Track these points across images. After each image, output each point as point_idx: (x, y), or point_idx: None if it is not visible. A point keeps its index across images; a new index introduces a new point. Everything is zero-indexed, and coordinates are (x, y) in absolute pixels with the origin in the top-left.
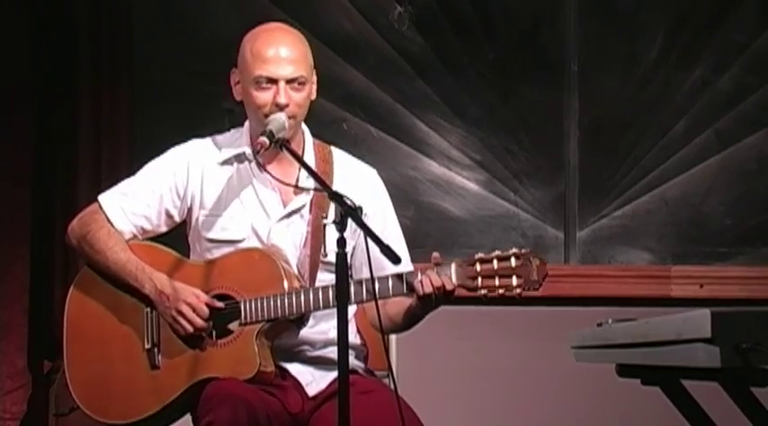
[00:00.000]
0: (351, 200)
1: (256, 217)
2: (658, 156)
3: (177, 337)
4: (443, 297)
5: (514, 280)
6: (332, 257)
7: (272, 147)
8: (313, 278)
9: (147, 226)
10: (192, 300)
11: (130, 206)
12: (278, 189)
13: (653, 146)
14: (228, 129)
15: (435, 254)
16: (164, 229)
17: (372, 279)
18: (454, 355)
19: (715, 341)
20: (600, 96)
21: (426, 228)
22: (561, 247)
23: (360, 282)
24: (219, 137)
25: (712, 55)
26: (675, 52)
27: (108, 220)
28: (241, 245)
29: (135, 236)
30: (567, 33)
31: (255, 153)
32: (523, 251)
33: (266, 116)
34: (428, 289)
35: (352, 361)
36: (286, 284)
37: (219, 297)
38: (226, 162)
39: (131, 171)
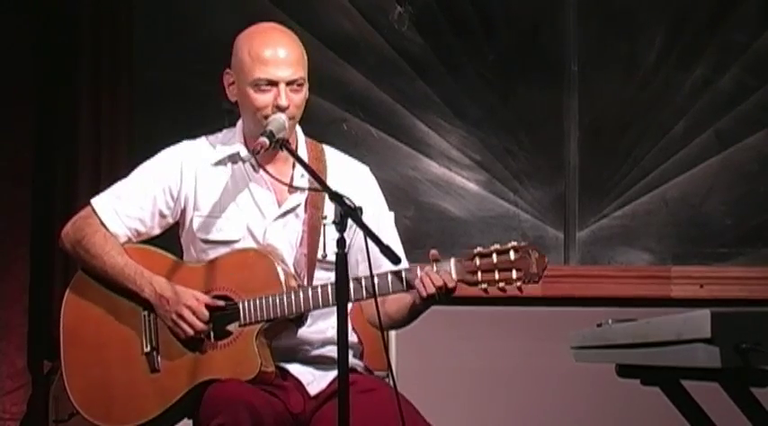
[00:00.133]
0: (351, 201)
1: (252, 217)
2: (658, 157)
3: (177, 340)
4: (445, 294)
5: (514, 274)
6: (329, 256)
7: (272, 148)
8: (310, 276)
9: (142, 229)
10: (192, 303)
11: (124, 209)
12: (273, 188)
13: (653, 146)
14: (221, 130)
15: (433, 251)
16: (157, 231)
17: (372, 277)
18: (454, 355)
19: (715, 341)
20: (600, 96)
21: (426, 228)
22: (561, 247)
23: (359, 280)
24: (212, 138)
25: (712, 55)
26: (675, 52)
27: (102, 224)
28: (236, 246)
29: (129, 239)
30: (567, 34)
31: (255, 153)
32: (522, 244)
33: (266, 117)
34: (431, 290)
35: (351, 360)
36: (284, 284)
37: (217, 299)
38: (219, 162)
39: (132, 171)
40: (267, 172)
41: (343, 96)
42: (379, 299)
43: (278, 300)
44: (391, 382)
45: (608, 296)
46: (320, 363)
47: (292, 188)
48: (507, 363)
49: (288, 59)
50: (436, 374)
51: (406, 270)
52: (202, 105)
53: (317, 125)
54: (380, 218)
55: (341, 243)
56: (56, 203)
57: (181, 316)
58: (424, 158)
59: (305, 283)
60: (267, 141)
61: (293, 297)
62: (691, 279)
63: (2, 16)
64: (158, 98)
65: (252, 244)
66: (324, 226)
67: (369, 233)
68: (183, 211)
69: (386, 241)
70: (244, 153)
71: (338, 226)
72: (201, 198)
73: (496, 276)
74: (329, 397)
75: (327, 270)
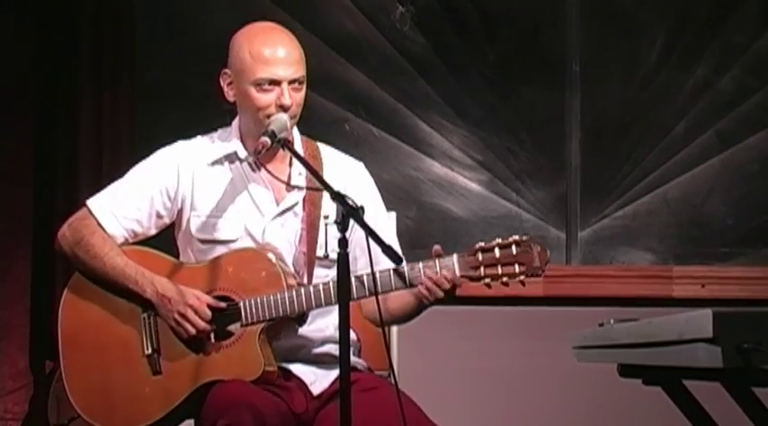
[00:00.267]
0: (352, 200)
1: (250, 217)
2: (660, 157)
3: (178, 341)
4: (450, 292)
5: (517, 268)
6: (330, 255)
7: (273, 147)
8: (310, 274)
9: (138, 230)
10: (195, 302)
11: (121, 210)
12: (271, 187)
13: (654, 146)
14: (216, 129)
15: (436, 247)
16: (153, 232)
17: (374, 275)
18: (455, 355)
19: (717, 341)
20: (601, 97)
21: (428, 228)
22: (563, 247)
23: (360, 279)
24: (207, 137)
25: (713, 55)
26: (677, 53)
27: (99, 225)
28: (234, 245)
29: (126, 240)
30: (569, 34)
31: (257, 153)
32: (524, 238)
33: (268, 117)
34: (438, 294)
35: (353, 358)
36: (284, 283)
37: (218, 299)
38: (216, 162)
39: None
40: (268, 171)
41: (345, 96)
42: (380, 297)
43: (279, 299)
44: (393, 381)
45: (610, 295)
46: (322, 362)
47: (290, 186)
48: (509, 363)
49: (289, 58)
50: (437, 374)
51: (408, 267)
52: (204, 105)
53: (318, 125)
54: (378, 216)
55: (343, 242)
56: (57, 203)
57: (183, 316)
58: (425, 158)
59: (304, 281)
60: (269, 141)
61: (294, 296)
62: (692, 278)
63: (2, 16)
64: (160, 98)
65: (250, 244)
66: (326, 225)
67: (370, 233)
68: (180, 211)
69: (383, 237)
70: (241, 152)
71: (340, 226)
72: (198, 198)
73: (499, 270)
74: (332, 397)
75: (326, 267)
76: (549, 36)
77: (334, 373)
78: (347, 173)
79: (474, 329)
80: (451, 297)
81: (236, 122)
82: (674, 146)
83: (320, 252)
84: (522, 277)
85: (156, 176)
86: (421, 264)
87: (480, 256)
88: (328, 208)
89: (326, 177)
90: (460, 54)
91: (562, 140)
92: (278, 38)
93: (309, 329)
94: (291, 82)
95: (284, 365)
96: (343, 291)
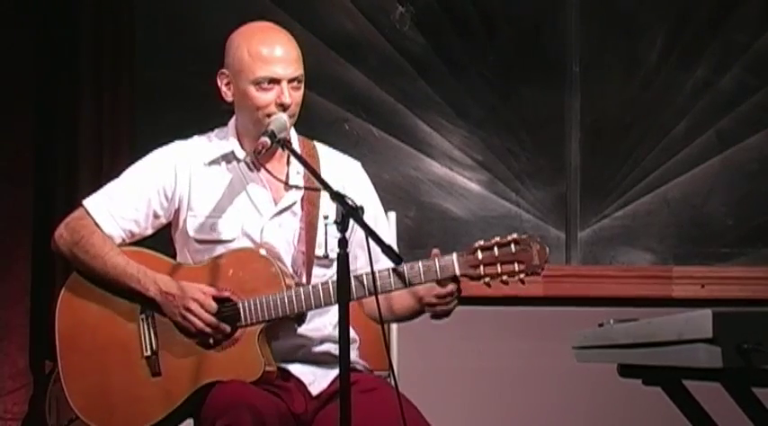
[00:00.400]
0: (352, 200)
1: (248, 216)
2: (660, 157)
3: (177, 342)
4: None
5: (516, 266)
6: (330, 254)
7: (272, 147)
8: (308, 274)
9: (135, 230)
10: (199, 296)
11: (118, 210)
12: (269, 186)
13: (654, 146)
14: (212, 129)
15: (435, 251)
16: (150, 232)
17: (374, 275)
18: (455, 355)
19: (716, 341)
20: (601, 97)
21: (428, 229)
22: (563, 247)
23: (359, 279)
24: (204, 137)
25: (713, 55)
26: (677, 53)
27: (97, 225)
28: (231, 245)
29: (123, 240)
30: (569, 34)
31: (257, 153)
32: (523, 236)
33: (268, 116)
34: (448, 308)
35: (352, 358)
36: (283, 283)
37: (216, 300)
38: (213, 162)
39: None
40: (267, 170)
41: (345, 96)
42: (382, 296)
43: (278, 300)
44: (392, 382)
45: (609, 296)
46: (321, 362)
47: (289, 186)
48: (509, 363)
49: (288, 57)
50: (437, 374)
51: (407, 267)
52: (204, 105)
53: (318, 125)
54: (375, 215)
55: (343, 243)
56: (57, 203)
57: (189, 310)
58: (425, 158)
59: (303, 280)
60: (269, 141)
61: (293, 296)
62: (692, 279)
63: (2, 16)
64: (159, 98)
65: (247, 244)
66: (326, 226)
67: (371, 233)
68: (177, 211)
69: (381, 236)
70: (238, 152)
71: (340, 226)
72: (196, 198)
73: (499, 269)
74: (331, 397)
75: (325, 266)
76: (549, 36)
77: (333, 373)
78: (344, 172)
79: (474, 329)
80: (458, 297)
81: (232, 122)
82: (674, 146)
83: (319, 252)
84: (521, 275)
85: (153, 176)
86: (420, 264)
87: (479, 255)
88: (327, 207)
89: (324, 176)
90: (460, 54)
91: (562, 140)
92: (276, 37)
93: (307, 328)
94: (290, 80)
95: (283, 365)
96: (342, 291)
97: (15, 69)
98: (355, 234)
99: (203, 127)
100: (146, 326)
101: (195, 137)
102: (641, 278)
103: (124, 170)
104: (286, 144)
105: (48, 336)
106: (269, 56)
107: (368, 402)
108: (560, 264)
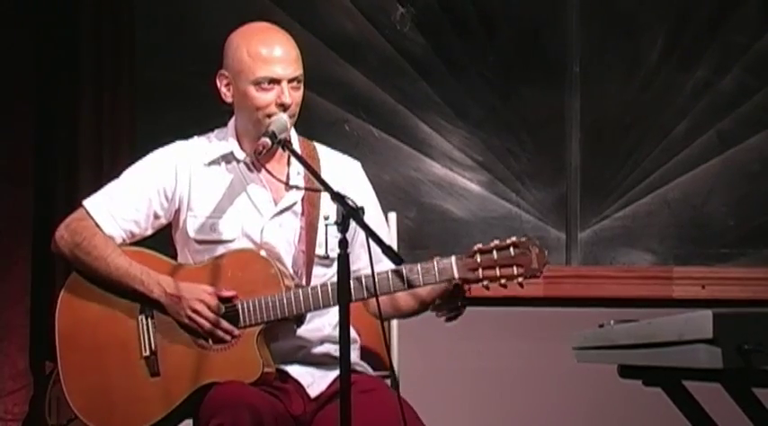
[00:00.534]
0: (352, 201)
1: (248, 217)
2: (660, 157)
3: (176, 342)
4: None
5: (515, 270)
6: (330, 254)
7: (273, 148)
8: (309, 274)
9: (136, 230)
10: (205, 296)
11: (119, 210)
12: (269, 187)
13: (654, 147)
14: (212, 130)
15: (436, 259)
16: (150, 232)
17: (374, 276)
18: (455, 355)
19: (717, 342)
20: (601, 97)
21: (428, 229)
22: (563, 248)
23: (359, 280)
24: (204, 138)
25: (714, 56)
26: (677, 53)
27: (97, 226)
28: (231, 246)
29: (123, 241)
30: (569, 34)
31: (258, 154)
32: (522, 239)
33: (268, 116)
34: (452, 314)
35: (352, 358)
36: (282, 284)
37: (220, 300)
38: (213, 162)
39: None
40: (268, 171)
41: (345, 97)
42: (386, 297)
43: (277, 301)
44: (393, 382)
45: (610, 296)
46: (320, 363)
47: (289, 186)
48: (509, 364)
49: (288, 57)
50: (438, 374)
51: (406, 269)
52: (204, 105)
53: (318, 125)
54: (375, 215)
55: (343, 243)
56: (57, 203)
57: (195, 311)
58: (425, 159)
59: (303, 281)
60: (269, 141)
61: (293, 298)
62: (692, 279)
63: (2, 16)
64: (160, 98)
65: (247, 244)
66: (326, 225)
67: (371, 233)
68: (177, 212)
69: (379, 235)
70: (238, 152)
71: (340, 227)
72: (196, 198)
73: (497, 272)
74: (330, 399)
75: (325, 266)
76: (549, 36)
77: (332, 374)
78: (344, 172)
79: (474, 329)
80: (464, 298)
81: (231, 122)
82: (674, 147)
83: (320, 251)
84: (520, 279)
85: (153, 176)
86: (419, 266)
87: (478, 258)
88: (327, 207)
89: (324, 177)
90: (460, 54)
91: (562, 141)
92: (275, 37)
93: (307, 329)
94: (290, 80)
95: (282, 367)
96: (343, 292)
97: (15, 69)
98: (357, 234)
99: (203, 127)
100: (145, 326)
101: (195, 138)
102: (641, 278)
103: (124, 170)
104: (287, 144)
105: (48, 336)
106: (268, 56)
107: (366, 402)
108: (560, 265)
